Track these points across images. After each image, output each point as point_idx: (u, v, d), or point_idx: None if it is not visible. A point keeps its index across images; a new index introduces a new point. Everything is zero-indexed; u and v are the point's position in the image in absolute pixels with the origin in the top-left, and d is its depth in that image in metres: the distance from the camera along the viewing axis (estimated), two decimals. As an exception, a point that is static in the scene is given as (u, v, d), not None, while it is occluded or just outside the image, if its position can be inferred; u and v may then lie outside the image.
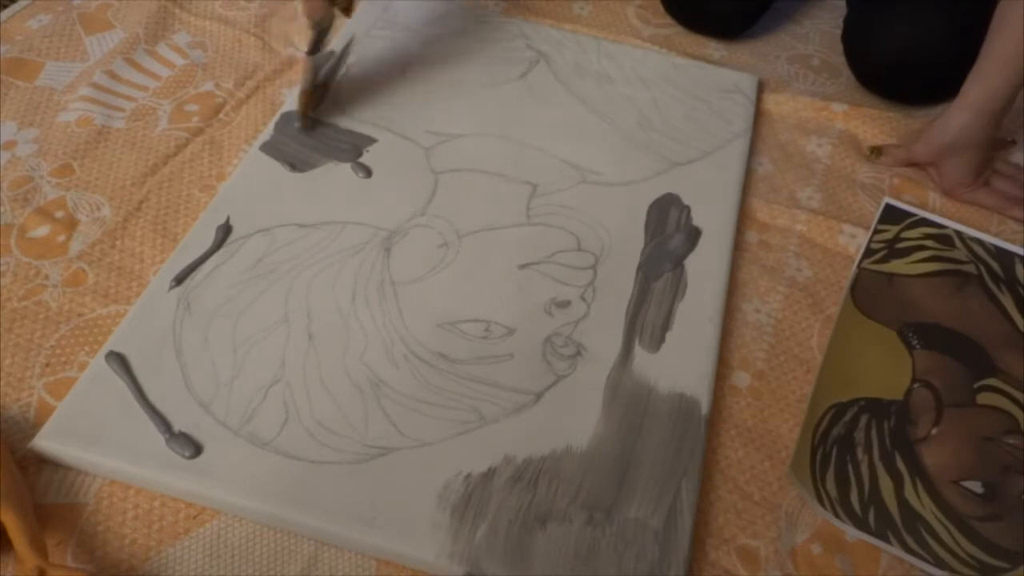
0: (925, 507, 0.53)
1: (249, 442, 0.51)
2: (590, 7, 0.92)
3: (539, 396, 0.55)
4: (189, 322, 0.57)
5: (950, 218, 0.71)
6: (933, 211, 0.72)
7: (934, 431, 0.57)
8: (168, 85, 0.76)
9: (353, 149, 0.70)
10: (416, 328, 0.58)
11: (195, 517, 0.49)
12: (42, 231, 0.63)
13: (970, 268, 0.67)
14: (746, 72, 0.84)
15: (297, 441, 0.51)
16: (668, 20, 0.91)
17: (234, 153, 0.71)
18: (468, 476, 0.51)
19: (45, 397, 0.54)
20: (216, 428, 0.52)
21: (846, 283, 0.66)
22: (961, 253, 0.68)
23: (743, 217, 0.70)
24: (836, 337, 0.62)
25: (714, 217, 0.68)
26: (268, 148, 0.70)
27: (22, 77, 0.75)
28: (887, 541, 0.52)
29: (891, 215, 0.71)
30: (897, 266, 0.67)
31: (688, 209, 0.69)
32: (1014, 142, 0.79)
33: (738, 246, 0.68)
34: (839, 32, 0.86)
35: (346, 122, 0.73)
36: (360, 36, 0.81)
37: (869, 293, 0.65)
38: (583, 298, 0.61)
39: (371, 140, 0.71)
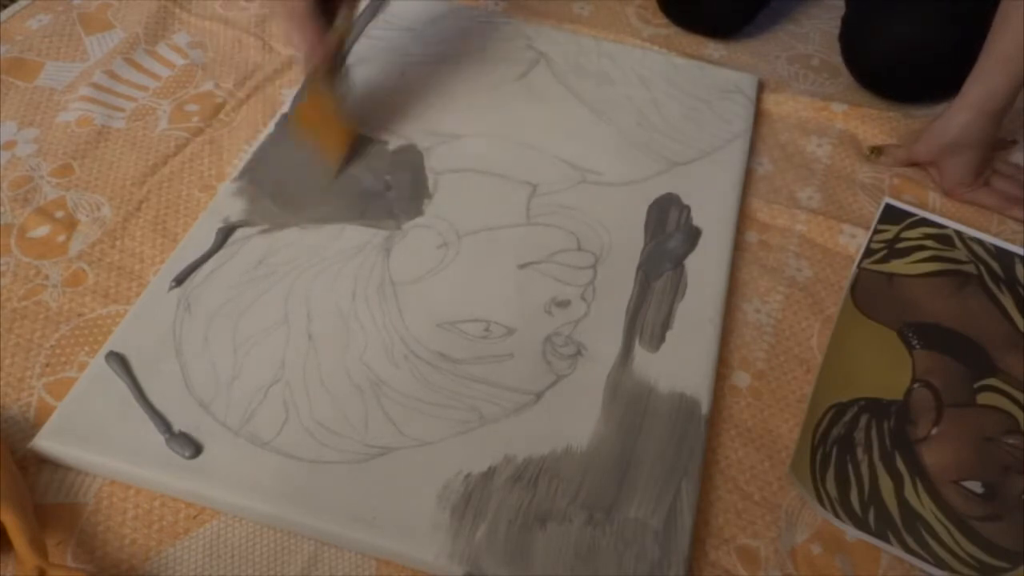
0: (925, 507, 0.53)
1: (249, 442, 0.51)
2: (590, 7, 0.92)
3: (539, 396, 0.55)
4: (189, 322, 0.57)
5: (950, 218, 0.71)
6: (933, 211, 0.72)
7: (934, 431, 0.57)
8: (168, 85, 0.77)
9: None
10: (416, 328, 0.58)
11: (195, 517, 0.49)
12: (42, 231, 0.63)
13: (970, 268, 0.67)
14: (746, 72, 0.84)
15: (297, 441, 0.51)
16: (668, 20, 0.91)
17: (234, 153, 0.71)
18: (468, 476, 0.51)
19: (45, 397, 0.54)
20: (216, 428, 0.52)
21: (846, 283, 0.66)
22: (961, 253, 0.68)
23: (743, 217, 0.70)
24: (836, 337, 0.62)
25: (714, 217, 0.68)
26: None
27: (22, 77, 0.75)
28: (887, 541, 0.52)
29: (891, 215, 0.71)
30: (897, 266, 0.67)
31: (688, 209, 0.69)
32: (1014, 142, 0.79)
33: (738, 246, 0.68)
34: (838, 32, 0.86)
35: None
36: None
37: (869, 293, 0.65)
38: (583, 297, 0.61)
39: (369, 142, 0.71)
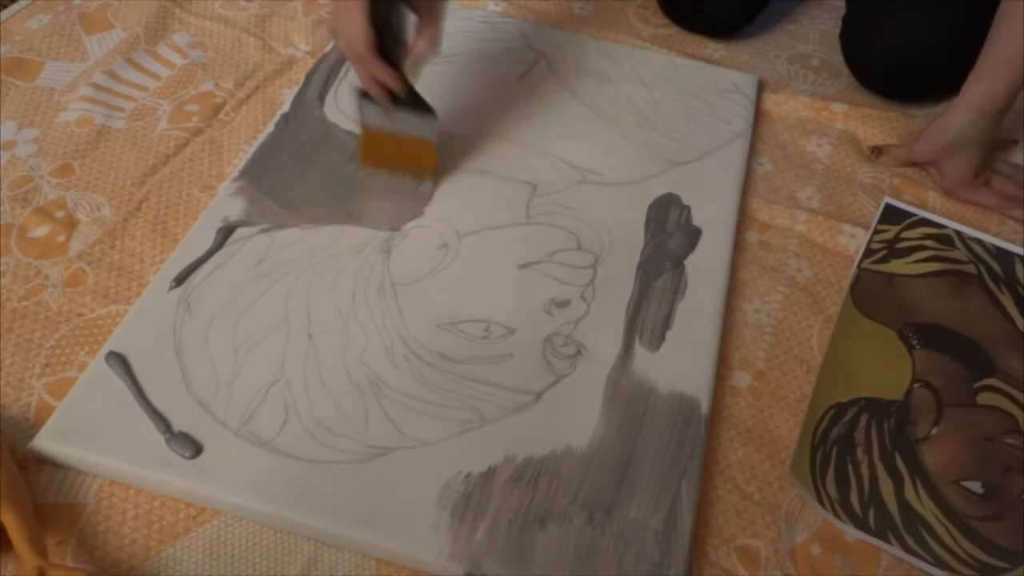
0: (925, 507, 0.53)
1: (249, 442, 0.51)
2: (590, 7, 0.92)
3: (539, 396, 0.55)
4: (189, 322, 0.57)
5: (950, 218, 0.71)
6: (933, 211, 0.72)
7: (934, 431, 0.57)
8: (168, 85, 0.77)
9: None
10: (416, 328, 0.58)
11: (195, 517, 0.49)
12: (42, 231, 0.63)
13: (970, 268, 0.67)
14: (746, 72, 0.84)
15: (297, 441, 0.51)
16: (668, 20, 0.91)
17: (234, 153, 0.71)
18: (468, 476, 0.51)
19: (45, 397, 0.54)
20: (216, 428, 0.52)
21: (846, 283, 0.66)
22: (961, 253, 0.68)
23: (743, 217, 0.70)
24: (836, 337, 0.62)
25: (714, 217, 0.68)
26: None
27: (22, 77, 0.75)
28: (887, 541, 0.52)
29: (891, 215, 0.71)
30: (897, 266, 0.67)
31: (688, 209, 0.69)
32: (1015, 142, 0.79)
33: (738, 246, 0.68)
34: (839, 31, 0.86)
35: (346, 124, 0.73)
36: None
37: (869, 293, 0.65)
38: (583, 297, 0.61)
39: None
